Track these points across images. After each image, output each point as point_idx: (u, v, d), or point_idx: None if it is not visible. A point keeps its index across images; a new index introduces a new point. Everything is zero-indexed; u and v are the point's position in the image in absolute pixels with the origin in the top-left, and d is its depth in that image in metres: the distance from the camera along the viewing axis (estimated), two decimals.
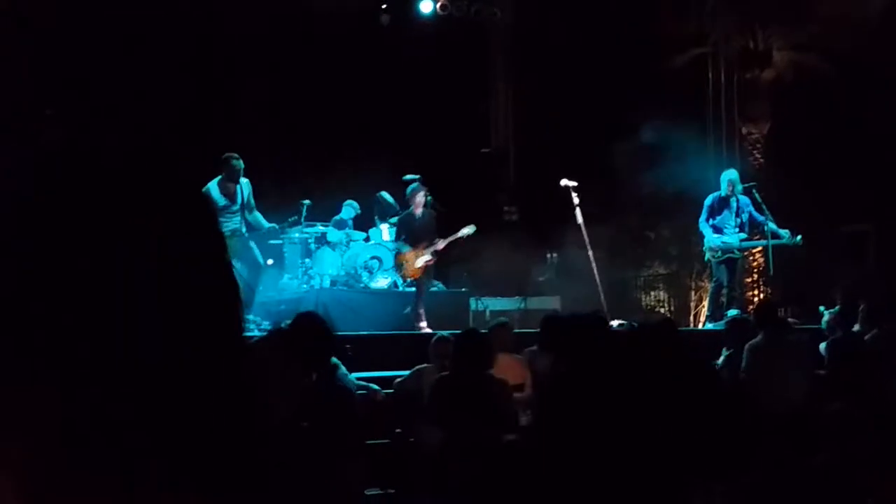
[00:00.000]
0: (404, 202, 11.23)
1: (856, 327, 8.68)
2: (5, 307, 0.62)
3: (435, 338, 7.00)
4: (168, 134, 10.91)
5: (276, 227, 10.61)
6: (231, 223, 9.79)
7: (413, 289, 11.43)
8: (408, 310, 10.86)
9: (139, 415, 0.63)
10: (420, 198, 10.90)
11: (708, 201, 11.61)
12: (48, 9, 11.94)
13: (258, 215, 10.12)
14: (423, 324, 10.47)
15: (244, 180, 9.93)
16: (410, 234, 10.86)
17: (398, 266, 10.99)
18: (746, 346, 7.45)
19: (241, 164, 9.86)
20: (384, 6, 15.34)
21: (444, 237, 10.95)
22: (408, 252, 10.86)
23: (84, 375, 0.62)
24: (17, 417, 0.62)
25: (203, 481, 0.66)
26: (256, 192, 10.07)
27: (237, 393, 0.69)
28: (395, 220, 12.19)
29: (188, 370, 0.65)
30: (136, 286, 0.64)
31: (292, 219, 11.38)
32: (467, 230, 11.08)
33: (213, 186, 9.75)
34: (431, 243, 10.83)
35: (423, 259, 10.79)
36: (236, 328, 0.70)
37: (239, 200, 9.88)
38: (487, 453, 5.48)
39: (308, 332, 6.52)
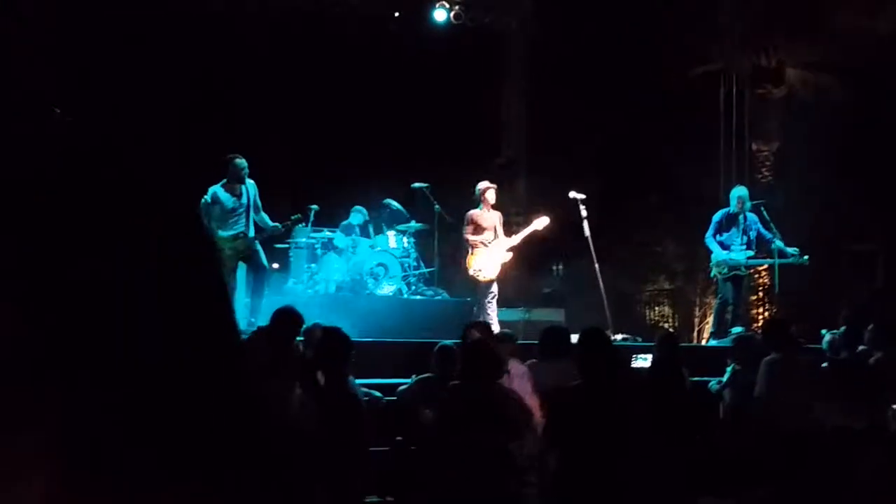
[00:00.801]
0: (473, 200, 11.09)
1: (860, 348, 8.64)
2: (6, 307, 0.62)
3: (438, 347, 6.99)
4: (172, 136, 10.92)
5: (280, 227, 10.34)
6: (238, 225, 9.73)
7: (418, 297, 11.47)
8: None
9: (140, 415, 0.63)
10: (492, 195, 10.91)
11: (716, 217, 11.61)
12: (48, 8, 11.95)
13: (264, 216, 10.00)
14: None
15: (250, 181, 9.80)
16: (482, 230, 10.87)
17: (478, 270, 10.82)
18: (763, 361, 7.35)
19: (244, 162, 9.73)
20: (396, 14, 15.37)
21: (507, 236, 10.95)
22: (479, 255, 10.82)
23: (85, 376, 0.62)
24: (17, 418, 0.62)
25: (204, 482, 0.65)
26: (264, 197, 10.01)
27: (238, 392, 0.69)
28: (402, 227, 12.19)
29: (188, 370, 0.65)
30: (137, 286, 0.64)
31: (295, 216, 11.06)
32: (540, 222, 11.06)
33: (219, 189, 9.67)
34: (500, 240, 10.85)
35: (501, 259, 10.82)
36: (232, 328, 0.70)
37: (245, 201, 9.77)
38: (496, 462, 5.48)
39: (287, 325, 6.54)
